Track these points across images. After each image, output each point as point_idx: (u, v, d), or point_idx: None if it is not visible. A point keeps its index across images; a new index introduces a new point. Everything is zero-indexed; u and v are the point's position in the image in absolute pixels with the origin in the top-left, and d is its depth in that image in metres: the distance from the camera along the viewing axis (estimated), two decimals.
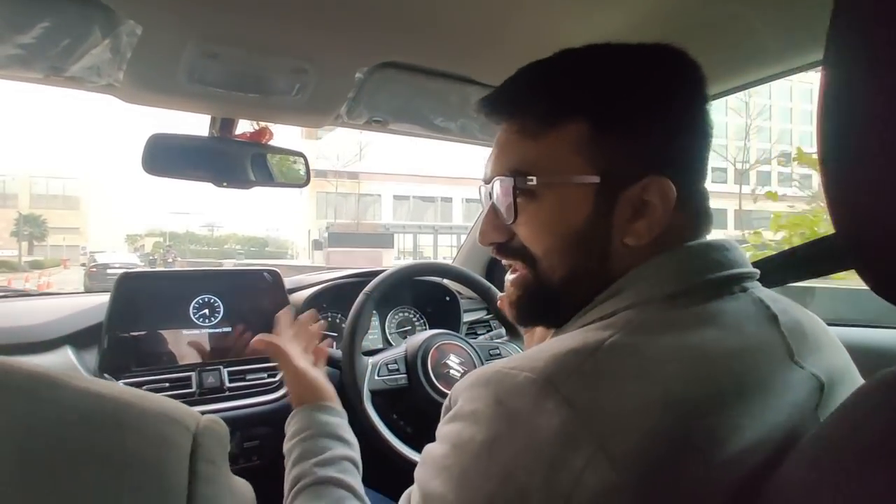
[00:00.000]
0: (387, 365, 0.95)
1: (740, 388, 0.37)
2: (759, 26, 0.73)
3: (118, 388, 0.27)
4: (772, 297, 0.44)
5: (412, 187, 25.35)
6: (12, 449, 0.22)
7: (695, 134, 0.46)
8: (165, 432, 0.26)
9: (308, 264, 18.68)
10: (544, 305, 0.48)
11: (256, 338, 0.80)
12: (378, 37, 0.77)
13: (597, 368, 0.36)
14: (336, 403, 0.73)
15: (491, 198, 0.49)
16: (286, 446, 0.68)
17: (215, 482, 0.26)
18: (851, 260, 0.33)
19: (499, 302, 0.55)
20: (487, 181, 0.50)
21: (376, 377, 0.93)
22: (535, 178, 0.45)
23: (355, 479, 0.64)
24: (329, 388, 0.75)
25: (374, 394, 0.92)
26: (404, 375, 0.95)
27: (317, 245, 21.44)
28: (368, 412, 0.89)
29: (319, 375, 0.76)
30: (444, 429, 0.40)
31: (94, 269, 14.26)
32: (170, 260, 17.69)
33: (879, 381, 0.32)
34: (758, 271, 0.45)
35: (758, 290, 0.44)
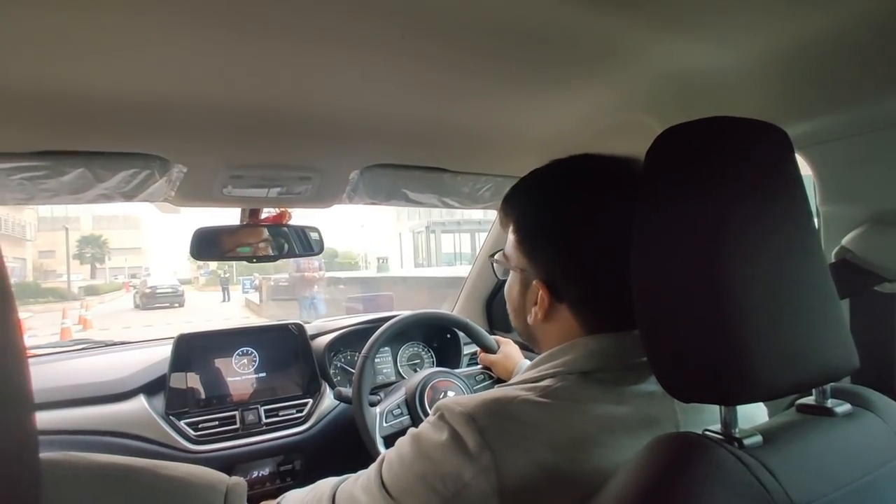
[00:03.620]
0: (391, 412, 1.13)
1: (615, 443, 0.51)
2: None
3: (184, 469, 0.47)
4: None
5: None
6: None
7: (596, 247, 0.57)
8: (209, 497, 0.45)
9: None
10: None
11: None
12: (364, 150, 1.01)
13: (508, 414, 0.52)
14: None
15: None
16: None
17: None
18: (648, 358, 0.48)
19: None
20: None
21: (384, 424, 1.10)
22: (501, 259, 0.67)
23: None
24: None
25: (386, 439, 1.09)
26: (407, 416, 1.13)
27: None
28: None
29: None
30: (414, 428, 0.59)
31: (148, 291, 18.70)
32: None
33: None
34: None
35: None
